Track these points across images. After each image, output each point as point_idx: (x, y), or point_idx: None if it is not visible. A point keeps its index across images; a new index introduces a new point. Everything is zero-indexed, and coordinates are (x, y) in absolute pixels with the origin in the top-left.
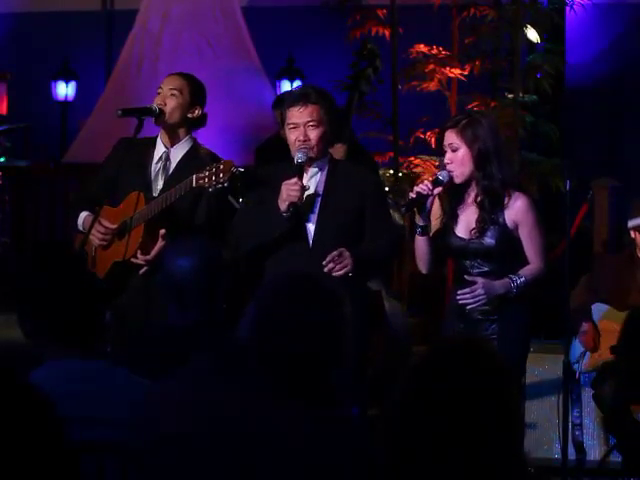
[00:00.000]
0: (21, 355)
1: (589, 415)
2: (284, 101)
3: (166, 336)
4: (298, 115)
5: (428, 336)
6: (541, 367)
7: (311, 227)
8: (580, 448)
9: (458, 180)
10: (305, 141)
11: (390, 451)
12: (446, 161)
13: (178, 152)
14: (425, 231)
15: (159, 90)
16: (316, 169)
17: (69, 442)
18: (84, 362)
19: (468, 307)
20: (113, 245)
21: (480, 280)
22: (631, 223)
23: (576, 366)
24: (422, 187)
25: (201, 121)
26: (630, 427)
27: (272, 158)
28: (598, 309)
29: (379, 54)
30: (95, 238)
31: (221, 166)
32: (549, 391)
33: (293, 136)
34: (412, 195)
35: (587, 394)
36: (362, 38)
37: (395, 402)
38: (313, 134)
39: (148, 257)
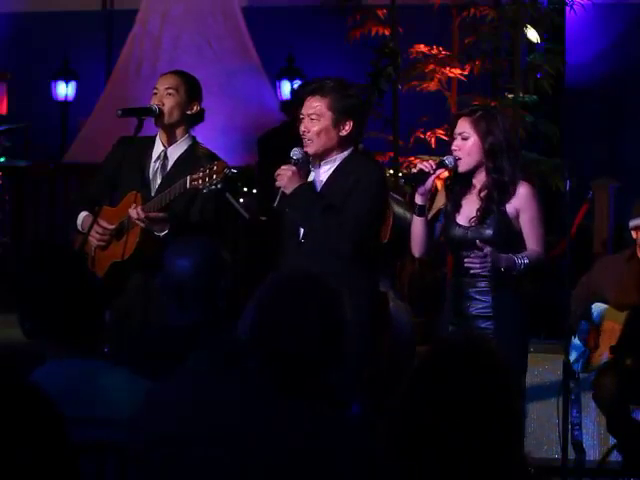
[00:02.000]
0: (21, 355)
1: (589, 415)
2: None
3: (166, 336)
4: (305, 106)
5: (429, 336)
6: (541, 367)
7: None
8: (580, 448)
9: (462, 169)
10: (304, 133)
11: (391, 451)
12: (453, 148)
13: (176, 151)
14: (423, 212)
15: (155, 91)
16: (324, 167)
17: (69, 442)
18: (84, 362)
19: (472, 271)
20: (111, 245)
21: (488, 247)
22: (632, 223)
23: (576, 366)
24: (426, 164)
25: (200, 116)
26: (630, 427)
27: (275, 147)
28: (598, 309)
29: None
30: (93, 239)
31: (215, 167)
32: (549, 391)
33: (301, 127)
34: (414, 170)
35: (587, 394)
36: (362, 38)
37: (396, 402)
38: (312, 127)
39: (142, 215)
